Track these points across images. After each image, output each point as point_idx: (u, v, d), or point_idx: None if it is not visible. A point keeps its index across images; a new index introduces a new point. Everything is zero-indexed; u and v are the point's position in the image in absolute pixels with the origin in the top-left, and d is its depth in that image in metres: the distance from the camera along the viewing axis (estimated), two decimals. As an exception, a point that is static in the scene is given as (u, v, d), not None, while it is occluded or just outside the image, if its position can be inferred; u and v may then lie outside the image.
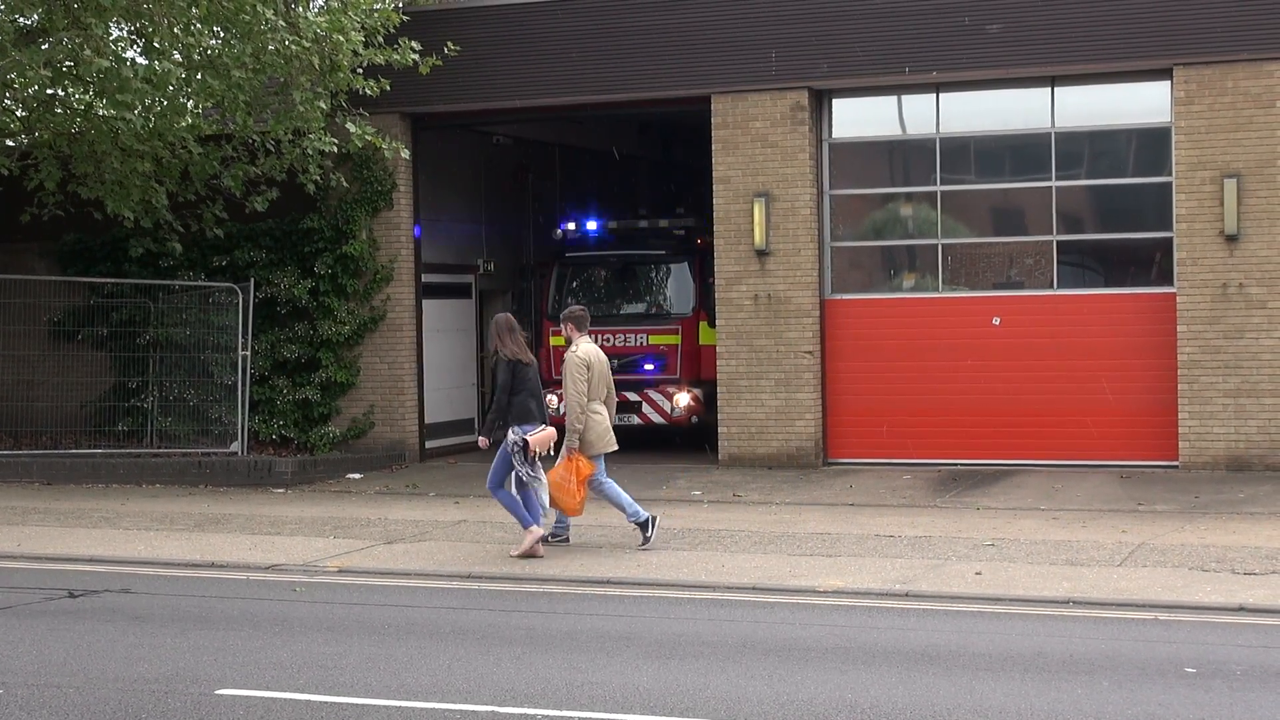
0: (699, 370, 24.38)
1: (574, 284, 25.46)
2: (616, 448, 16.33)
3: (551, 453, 15.76)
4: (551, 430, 15.70)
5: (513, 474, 15.51)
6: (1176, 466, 20.76)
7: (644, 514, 16.12)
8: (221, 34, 21.44)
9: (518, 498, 15.63)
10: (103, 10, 19.95)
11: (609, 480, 16.22)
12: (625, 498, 16.13)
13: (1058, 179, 21.57)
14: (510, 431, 15.59)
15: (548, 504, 15.69)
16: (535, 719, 9.70)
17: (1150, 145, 21.34)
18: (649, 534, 16.05)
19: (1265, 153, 20.19)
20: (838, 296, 22.42)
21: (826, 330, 22.31)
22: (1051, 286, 21.68)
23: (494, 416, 16.03)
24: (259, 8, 20.45)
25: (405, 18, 22.74)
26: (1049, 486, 19.98)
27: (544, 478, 15.57)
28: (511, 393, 15.68)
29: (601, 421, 16.10)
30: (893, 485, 20.55)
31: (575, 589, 14.29)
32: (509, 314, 16.41)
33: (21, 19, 20.98)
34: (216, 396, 23.86)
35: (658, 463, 23.15)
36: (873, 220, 22.88)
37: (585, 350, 16.17)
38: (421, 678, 10.73)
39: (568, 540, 16.33)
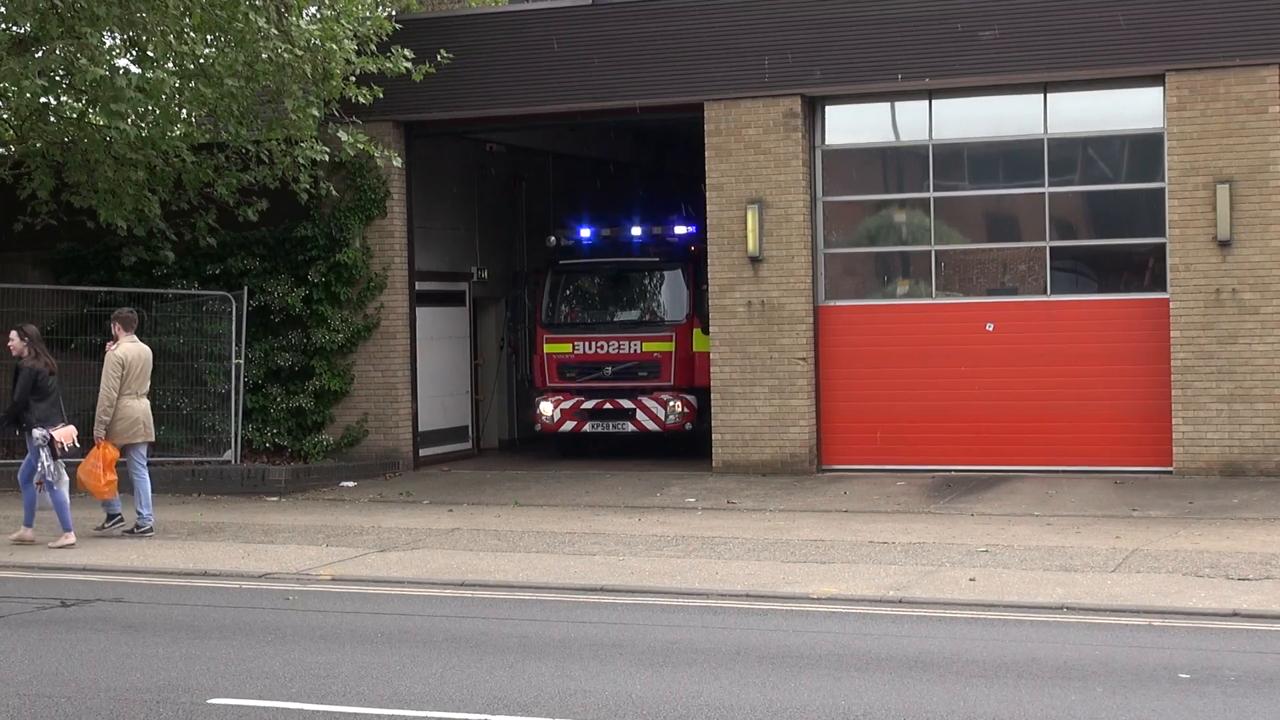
0: (693, 377, 24.37)
1: (567, 291, 25.45)
2: (153, 438, 18.36)
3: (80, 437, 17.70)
4: (72, 427, 17.55)
5: (37, 475, 17.24)
6: (1170, 472, 20.76)
7: (148, 522, 18.01)
8: (214, 42, 21.43)
9: (66, 500, 17.40)
10: (96, 19, 19.94)
11: (143, 472, 18.04)
12: (145, 496, 17.98)
13: (1051, 185, 21.59)
14: (34, 431, 17.27)
15: (66, 495, 17.37)
16: (528, 727, 9.71)
17: (1143, 151, 21.36)
18: (134, 530, 18.00)
19: (1258, 158, 20.21)
20: (831, 303, 22.42)
21: (820, 337, 22.32)
22: (1045, 292, 21.70)
23: (6, 416, 18.13)
24: (251, 16, 20.45)
25: (398, 26, 22.74)
26: (1043, 492, 19.98)
27: (65, 475, 17.33)
28: (36, 399, 17.35)
29: (130, 414, 17.75)
30: (887, 492, 20.54)
31: (568, 596, 14.28)
32: (35, 327, 18.16)
33: (15, 28, 20.97)
34: (210, 405, 23.84)
35: (652, 470, 23.17)
36: (866, 227, 22.89)
37: (124, 350, 17.95)
38: (415, 686, 10.71)
39: (123, 523, 18.00)
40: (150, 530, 18.04)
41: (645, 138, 29.68)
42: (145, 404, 18.08)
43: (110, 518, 18.26)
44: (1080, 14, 20.79)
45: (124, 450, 18.02)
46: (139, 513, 18.06)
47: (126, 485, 18.33)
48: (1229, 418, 20.39)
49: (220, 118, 21.70)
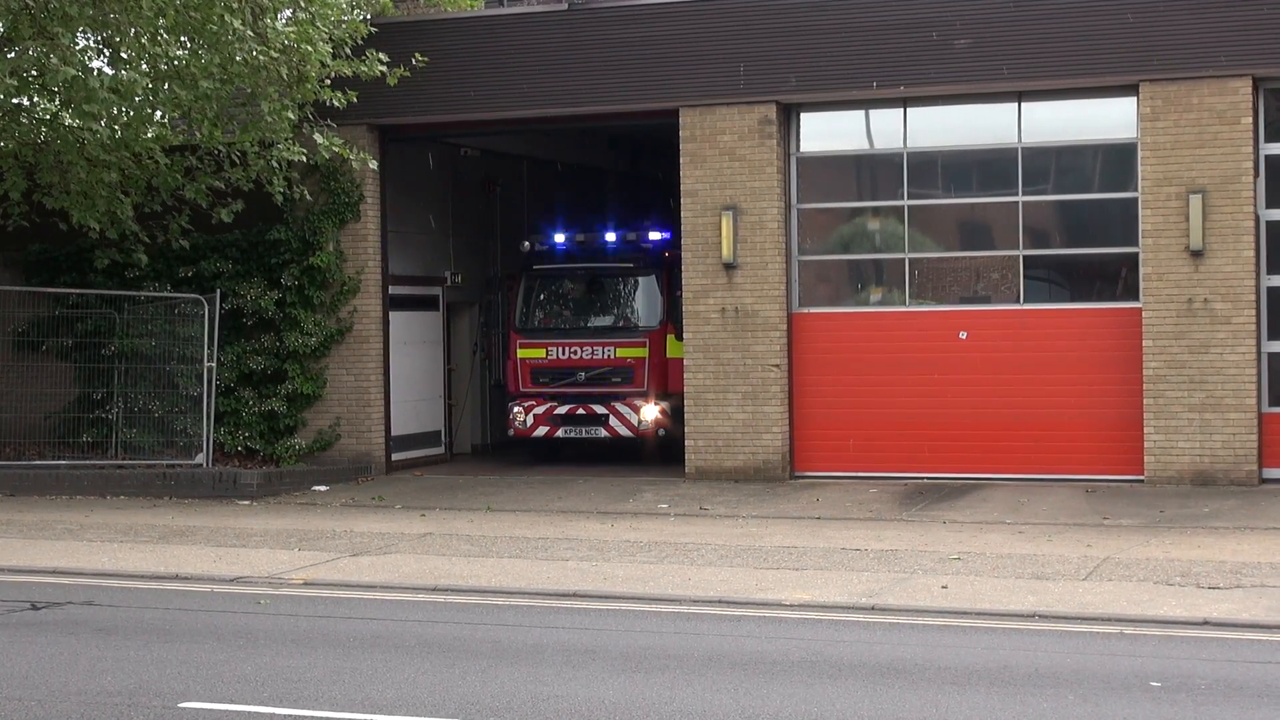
0: (666, 383, 24.37)
1: (541, 296, 25.44)
2: None
3: None
4: None
5: None
6: (1142, 481, 20.83)
7: None
8: (189, 44, 21.37)
9: None
10: (69, 19, 19.87)
11: None
12: None
13: (1024, 194, 21.65)
14: None
15: None
16: (501, 733, 9.70)
17: (1116, 161, 21.44)
18: None
19: (1230, 169, 20.29)
20: (805, 310, 22.44)
21: (794, 344, 22.33)
22: (1018, 301, 21.75)
23: None
24: (227, 18, 20.39)
25: (373, 29, 22.71)
26: (1015, 500, 20.03)
27: None
28: None
29: None
30: (859, 499, 20.57)
31: (541, 602, 14.27)
32: None
33: (-13, 28, 20.89)
34: (182, 408, 23.76)
35: (624, 476, 23.16)
36: (840, 234, 22.92)
37: None
38: (387, 691, 10.69)
39: None
40: None
41: (620, 143, 29.68)
42: None
43: None
44: (1055, 24, 20.86)
45: None
46: None
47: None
48: (1200, 427, 20.46)
49: (194, 120, 21.63)
